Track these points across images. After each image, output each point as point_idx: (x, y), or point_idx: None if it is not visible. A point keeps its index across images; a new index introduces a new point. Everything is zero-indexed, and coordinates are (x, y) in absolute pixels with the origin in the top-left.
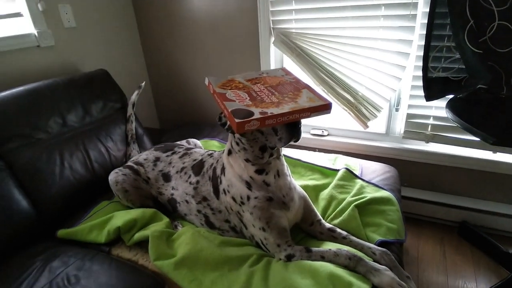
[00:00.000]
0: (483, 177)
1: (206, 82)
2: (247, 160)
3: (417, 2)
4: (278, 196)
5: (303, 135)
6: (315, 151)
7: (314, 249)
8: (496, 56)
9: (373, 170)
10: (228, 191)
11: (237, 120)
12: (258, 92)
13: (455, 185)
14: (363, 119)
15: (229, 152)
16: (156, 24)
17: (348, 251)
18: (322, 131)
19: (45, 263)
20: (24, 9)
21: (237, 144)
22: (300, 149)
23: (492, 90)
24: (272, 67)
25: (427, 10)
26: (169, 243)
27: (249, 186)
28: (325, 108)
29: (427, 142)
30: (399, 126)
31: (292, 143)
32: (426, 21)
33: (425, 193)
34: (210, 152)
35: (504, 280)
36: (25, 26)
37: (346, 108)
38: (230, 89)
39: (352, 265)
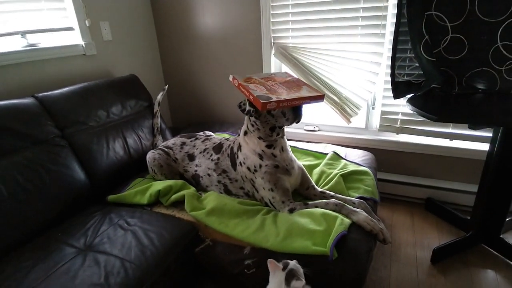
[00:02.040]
0: (442, 160)
1: (231, 78)
2: (259, 138)
3: (385, 24)
4: (282, 165)
5: (298, 131)
6: (308, 143)
7: (310, 202)
8: (449, 63)
9: (355, 154)
10: (244, 163)
11: (261, 101)
12: (271, 86)
13: (420, 168)
14: (347, 116)
15: (245, 133)
16: (172, 38)
17: (335, 200)
18: (314, 127)
19: (103, 216)
20: (75, 24)
21: (252, 125)
22: (296, 141)
23: (445, 89)
24: None
25: (393, 29)
26: (199, 201)
27: (261, 157)
28: (320, 97)
29: (398, 133)
30: (375, 121)
31: (294, 124)
32: (392, 38)
33: (397, 176)
34: (226, 137)
35: (460, 238)
36: (75, 38)
37: (333, 107)
38: (250, 83)
39: (338, 209)
